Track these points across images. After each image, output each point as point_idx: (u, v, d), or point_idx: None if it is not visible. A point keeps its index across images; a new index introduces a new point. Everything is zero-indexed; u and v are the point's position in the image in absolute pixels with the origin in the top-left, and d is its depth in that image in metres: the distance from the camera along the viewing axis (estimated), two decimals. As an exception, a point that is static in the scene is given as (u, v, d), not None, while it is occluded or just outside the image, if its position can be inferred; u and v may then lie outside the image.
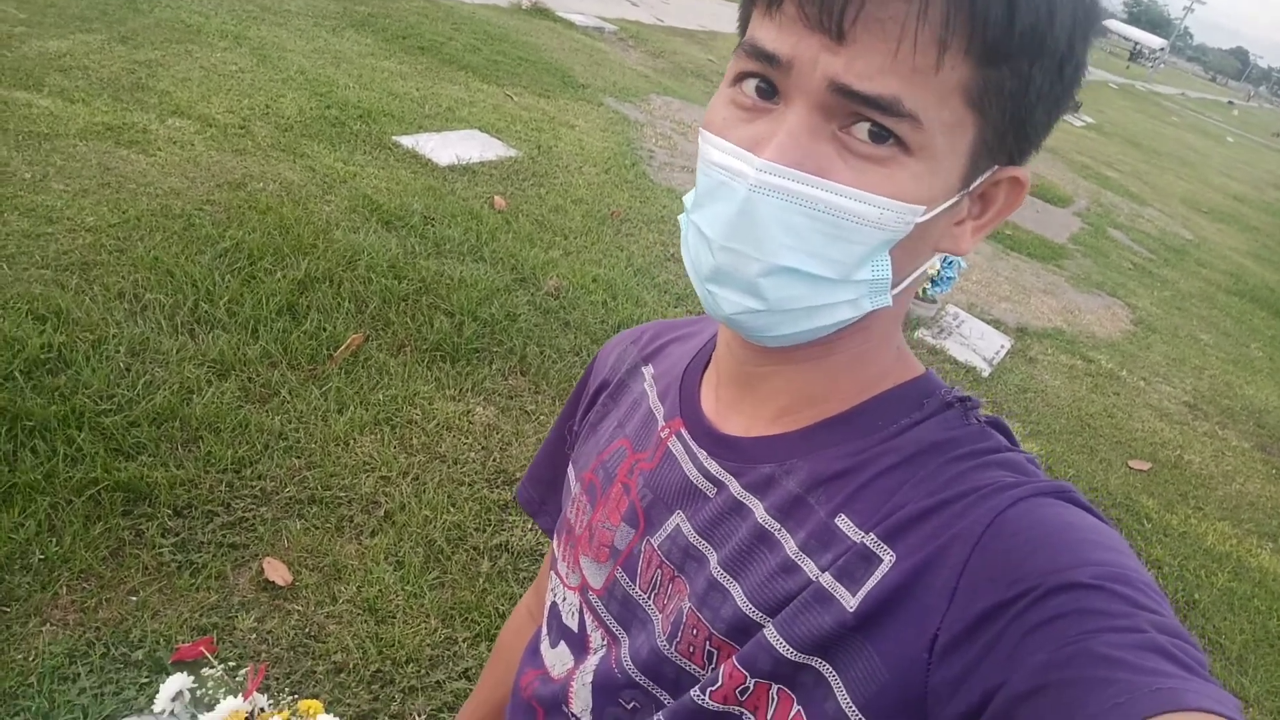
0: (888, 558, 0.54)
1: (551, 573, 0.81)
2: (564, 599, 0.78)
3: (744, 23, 0.57)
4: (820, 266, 0.53)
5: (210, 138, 4.07)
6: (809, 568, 0.58)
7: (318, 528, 2.31)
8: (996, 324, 5.48)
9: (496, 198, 4.54)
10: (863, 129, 0.51)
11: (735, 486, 0.64)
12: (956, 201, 0.55)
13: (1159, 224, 10.97)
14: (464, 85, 6.17)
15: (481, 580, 2.34)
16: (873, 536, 0.56)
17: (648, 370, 0.78)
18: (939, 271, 4.96)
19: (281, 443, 2.50)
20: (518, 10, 9.25)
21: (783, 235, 0.52)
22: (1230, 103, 66.21)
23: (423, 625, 2.16)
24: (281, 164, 4.06)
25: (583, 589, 0.74)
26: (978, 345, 5.03)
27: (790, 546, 0.59)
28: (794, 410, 0.63)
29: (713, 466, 0.66)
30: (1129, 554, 0.52)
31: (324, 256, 3.38)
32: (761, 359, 0.63)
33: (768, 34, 0.52)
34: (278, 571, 2.13)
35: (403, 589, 2.23)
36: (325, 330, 3.00)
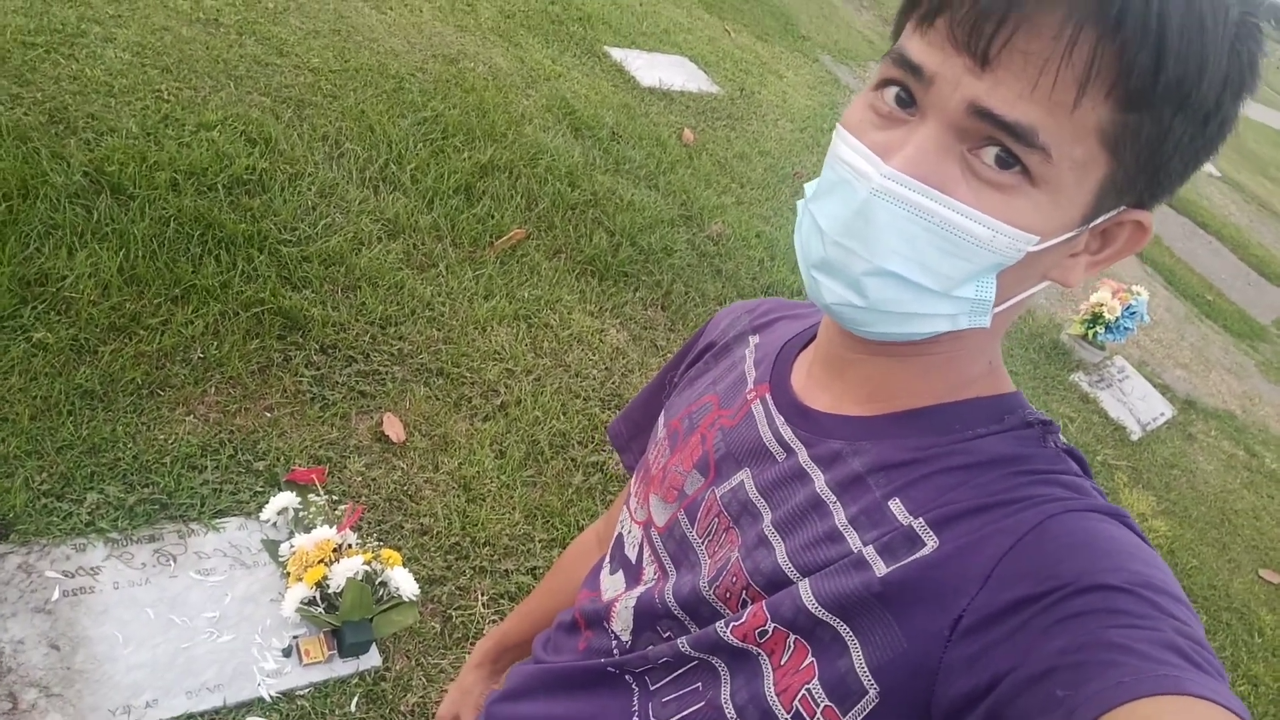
0: (931, 542, 0.56)
1: (624, 506, 0.86)
2: (629, 531, 0.83)
3: (898, 30, 0.58)
4: (925, 277, 0.55)
5: (438, 8, 4.23)
6: (853, 540, 0.60)
7: (439, 398, 2.46)
8: (1164, 389, 5.13)
9: (686, 130, 4.54)
10: (990, 153, 0.52)
11: (803, 455, 0.66)
12: (1075, 235, 0.56)
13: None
14: (686, 10, 6.13)
15: (571, 490, 2.44)
16: (920, 522, 0.57)
17: (753, 339, 0.81)
18: (1118, 319, 4.66)
19: (428, 311, 2.66)
20: (761, -56, 9.03)
21: (894, 241, 0.54)
22: None
23: (507, 515, 2.29)
24: (496, 49, 4.19)
25: (647, 524, 0.79)
26: (1136, 406, 4.73)
27: (840, 518, 0.61)
28: (877, 398, 0.65)
29: (786, 433, 0.68)
30: (1169, 575, 0.52)
31: (511, 147, 3.49)
32: (855, 346, 0.65)
33: (917, 46, 0.53)
34: (394, 428, 2.30)
35: (499, 477, 2.36)
36: (494, 217, 3.13)
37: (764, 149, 4.90)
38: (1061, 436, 0.62)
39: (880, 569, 0.56)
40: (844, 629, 0.57)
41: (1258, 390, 6.00)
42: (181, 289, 2.28)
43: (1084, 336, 4.77)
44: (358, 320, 2.49)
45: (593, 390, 2.79)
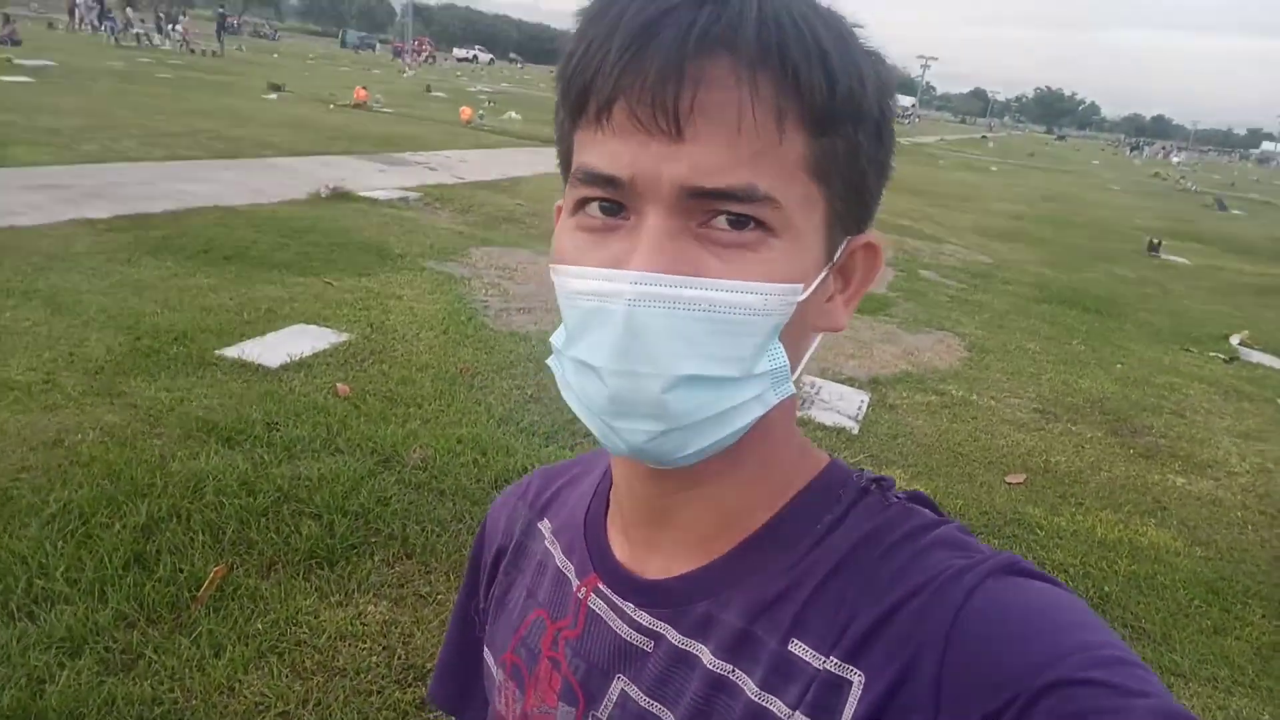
0: (856, 680, 0.52)
1: None
2: None
3: (566, 147, 0.56)
4: (722, 367, 0.52)
5: (14, 401, 3.77)
6: (778, 708, 0.54)
7: (219, 793, 2.06)
8: (851, 381, 5.71)
9: (339, 385, 4.40)
10: (722, 220, 0.50)
11: (673, 634, 0.60)
12: (825, 277, 0.56)
13: (960, 256, 11.89)
14: (280, 283, 6.05)
15: (416, 794, 2.14)
16: (834, 660, 0.53)
17: (544, 525, 0.74)
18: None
19: (157, 709, 2.25)
20: (318, 199, 9.25)
21: (677, 344, 0.50)
22: (985, 137, 73.84)
23: None
24: (99, 409, 3.81)
25: None
26: (840, 406, 5.21)
27: (751, 688, 0.55)
28: (713, 538, 0.60)
29: (644, 618, 0.62)
30: (1098, 625, 0.51)
31: (165, 493, 3.15)
32: (668, 488, 0.60)
33: (600, 156, 0.51)
34: None
35: (331, 832, 2.00)
36: (182, 571, 2.76)
37: (421, 364, 4.88)
38: (897, 486, 0.61)
39: None
40: None
41: (910, 343, 6.90)
42: None
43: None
44: (77, 768, 2.04)
45: (383, 678, 2.50)
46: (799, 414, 4.92)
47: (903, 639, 0.51)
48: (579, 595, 0.66)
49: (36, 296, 5.11)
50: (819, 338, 0.60)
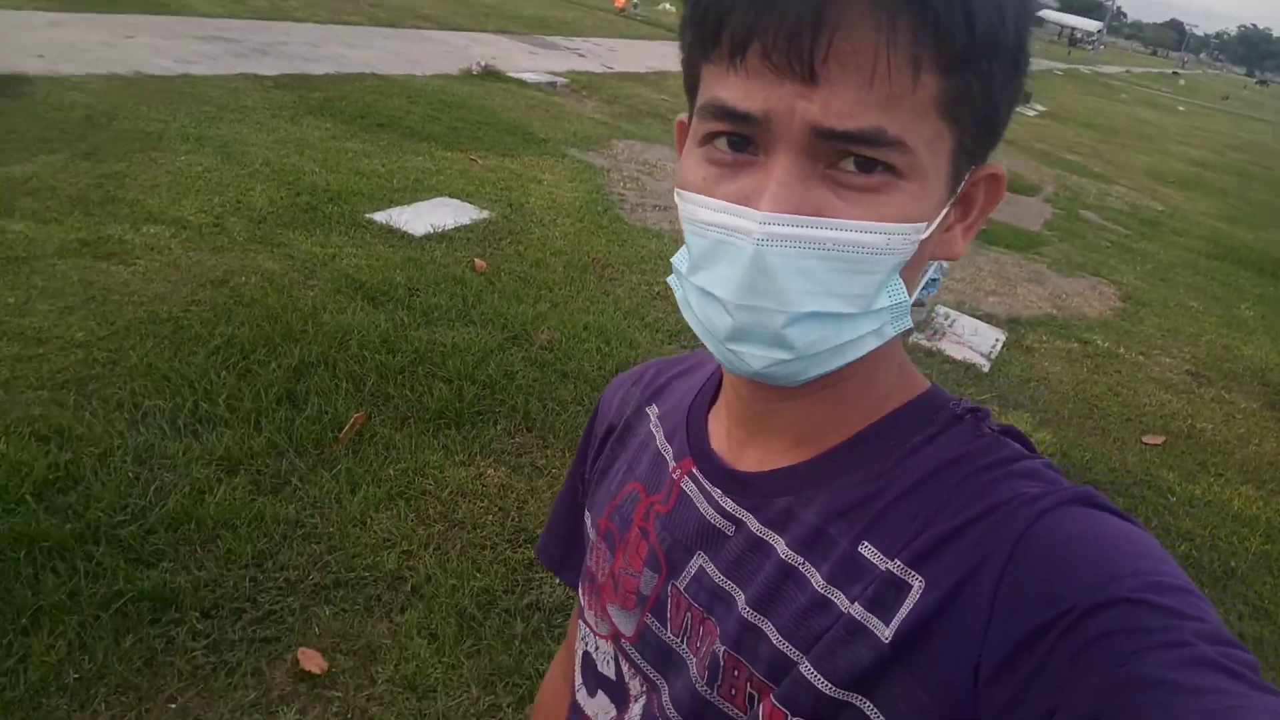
0: (917, 584, 0.54)
1: (580, 622, 0.80)
2: (597, 647, 0.76)
3: (693, 75, 0.56)
4: (843, 304, 0.53)
5: (186, 240, 4.07)
6: (839, 600, 0.57)
7: (347, 611, 2.27)
8: (988, 318, 5.51)
9: (476, 260, 4.55)
10: (850, 163, 0.51)
11: (754, 523, 0.63)
12: (947, 211, 0.56)
13: (1128, 199, 11.10)
14: (428, 155, 6.22)
15: (518, 643, 2.30)
16: (898, 563, 0.55)
17: (652, 410, 0.77)
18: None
19: (299, 531, 2.47)
20: (469, 76, 9.37)
21: (801, 282, 0.52)
22: (1175, 73, 67.54)
23: (464, 695, 2.12)
24: (260, 256, 4.07)
25: (614, 637, 0.73)
26: (973, 342, 5.04)
27: (817, 580, 0.58)
28: (807, 441, 0.63)
29: (729, 504, 0.65)
30: (1162, 557, 0.51)
31: (315, 341, 3.37)
32: (770, 397, 0.62)
33: (733, 92, 0.51)
34: (313, 660, 2.09)
35: (440, 661, 2.19)
36: (327, 413, 2.98)
37: (555, 249, 4.97)
38: (993, 419, 0.62)
39: (884, 632, 0.53)
40: (867, 705, 0.54)
41: (1060, 287, 6.56)
42: (27, 617, 2.01)
43: (904, 300, 5.07)
44: (230, 569, 2.27)
45: (496, 535, 2.66)
46: (930, 344, 4.80)
47: (968, 551, 0.53)
48: (674, 476, 0.70)
49: (209, 144, 5.43)
50: (934, 264, 0.60)
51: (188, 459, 2.61)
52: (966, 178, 0.57)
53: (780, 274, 0.51)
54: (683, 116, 0.61)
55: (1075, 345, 5.42)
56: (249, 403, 2.91)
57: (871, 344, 0.56)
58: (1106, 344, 5.55)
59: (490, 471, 2.95)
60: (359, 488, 2.69)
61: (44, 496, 2.33)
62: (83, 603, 2.07)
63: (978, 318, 5.45)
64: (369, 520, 2.58)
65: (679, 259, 0.58)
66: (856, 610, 0.55)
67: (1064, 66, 40.49)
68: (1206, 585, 3.23)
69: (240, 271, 3.84)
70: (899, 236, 0.52)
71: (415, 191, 5.43)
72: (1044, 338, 5.44)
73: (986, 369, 4.73)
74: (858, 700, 0.54)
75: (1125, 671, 0.44)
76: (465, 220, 5.12)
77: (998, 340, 5.17)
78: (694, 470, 0.68)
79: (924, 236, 0.54)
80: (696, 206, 0.55)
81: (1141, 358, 5.47)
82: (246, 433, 2.79)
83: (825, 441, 0.62)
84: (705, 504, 0.66)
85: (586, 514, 0.80)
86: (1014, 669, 0.48)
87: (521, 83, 9.62)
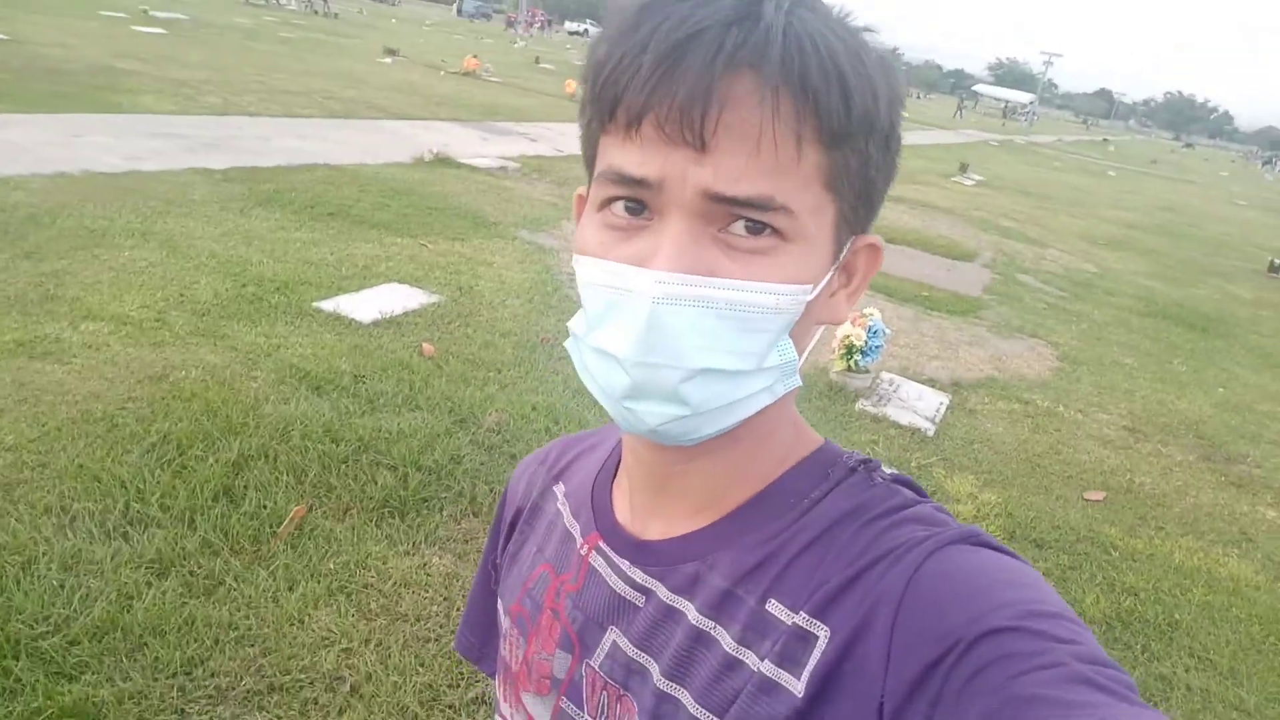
0: (823, 634, 0.55)
1: (496, 716, 0.79)
2: None
3: (591, 145, 0.60)
4: (736, 361, 0.56)
5: (126, 335, 4.04)
6: (749, 660, 0.58)
7: (282, 717, 2.20)
8: (931, 383, 5.61)
9: (425, 344, 4.56)
10: (740, 226, 0.54)
11: (663, 591, 0.64)
12: (831, 276, 0.59)
13: (1063, 262, 11.47)
14: (377, 242, 6.26)
15: (461, 738, 2.24)
16: (804, 615, 0.57)
17: (559, 489, 0.79)
18: (866, 342, 5.09)
19: (232, 634, 2.41)
20: (420, 163, 9.50)
21: (695, 339, 0.54)
22: (1105, 140, 70.57)
23: (406, 799, 2.05)
24: (202, 349, 4.04)
25: None
26: (917, 407, 5.13)
27: (728, 642, 0.59)
28: (709, 505, 0.64)
29: (638, 575, 0.66)
30: (1040, 585, 0.54)
31: (256, 433, 3.33)
32: (670, 460, 0.64)
33: (629, 158, 0.54)
34: (244, 771, 2.02)
35: (380, 764, 2.12)
36: (266, 508, 2.94)
37: (504, 330, 5.00)
38: (885, 468, 0.64)
39: (797, 687, 0.55)
40: None
41: (1000, 350, 6.72)
42: (-68, 744, 1.93)
43: (848, 369, 5.16)
44: (157, 680, 2.20)
45: (440, 627, 2.61)
46: (875, 410, 4.87)
47: (864, 596, 0.55)
48: (581, 552, 0.71)
49: (154, 238, 5.42)
50: (821, 330, 0.64)
51: (116, 563, 2.55)
52: (849, 246, 0.60)
53: (675, 331, 0.54)
54: (581, 189, 0.64)
55: (1016, 405, 5.54)
56: (183, 501, 2.86)
57: (764, 401, 0.58)
58: (1046, 403, 5.67)
59: (435, 560, 2.91)
60: (297, 584, 2.63)
61: (-38, 610, 2.25)
62: (-2, 722, 1.99)
63: (922, 382, 5.55)
64: (307, 618, 2.52)
65: (575, 322, 0.60)
66: (767, 667, 0.56)
67: (999, 138, 42.15)
68: (1152, 638, 3.26)
69: (180, 366, 3.81)
70: (787, 297, 0.55)
71: (364, 278, 5.45)
72: (986, 399, 5.55)
73: (932, 433, 4.80)
74: None
75: (1005, 694, 0.46)
76: (414, 305, 5.14)
77: (942, 404, 5.26)
78: (601, 544, 0.69)
79: (810, 298, 0.57)
80: (594, 269, 0.57)
81: (1080, 415, 5.59)
82: (180, 532, 2.73)
83: (727, 503, 0.64)
84: (614, 576, 0.67)
85: (499, 602, 0.80)
86: (913, 705, 0.50)
87: (473, 168, 9.77)
